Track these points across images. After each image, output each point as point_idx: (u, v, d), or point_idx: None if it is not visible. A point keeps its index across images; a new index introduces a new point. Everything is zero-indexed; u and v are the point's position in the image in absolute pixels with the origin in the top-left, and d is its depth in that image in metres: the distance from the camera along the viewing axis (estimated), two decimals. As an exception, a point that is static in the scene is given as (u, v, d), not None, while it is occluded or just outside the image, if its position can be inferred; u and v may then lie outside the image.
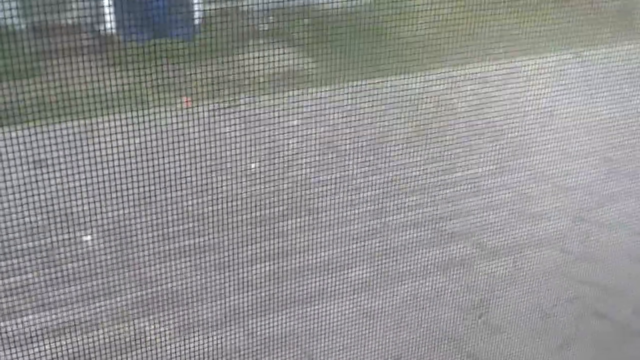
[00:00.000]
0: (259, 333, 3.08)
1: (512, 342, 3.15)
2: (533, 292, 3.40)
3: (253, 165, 4.29)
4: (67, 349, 2.97)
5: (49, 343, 2.99)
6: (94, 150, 4.10)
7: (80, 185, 4.19)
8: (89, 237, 3.68)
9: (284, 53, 4.43)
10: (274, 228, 3.95)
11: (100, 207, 3.95)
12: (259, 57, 4.59)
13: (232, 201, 4.27)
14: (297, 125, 5.26)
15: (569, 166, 4.51)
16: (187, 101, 4.38)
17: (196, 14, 9.04)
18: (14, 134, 3.93)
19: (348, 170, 4.66)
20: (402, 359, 3.01)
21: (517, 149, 4.40)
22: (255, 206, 4.13)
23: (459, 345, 3.10)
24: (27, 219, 3.93)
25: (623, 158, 4.56)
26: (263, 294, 3.34)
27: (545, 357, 3.10)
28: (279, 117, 5.18)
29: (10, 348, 2.94)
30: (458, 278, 3.53)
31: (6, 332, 3.08)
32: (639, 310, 3.45)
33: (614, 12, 4.93)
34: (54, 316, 3.17)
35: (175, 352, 2.98)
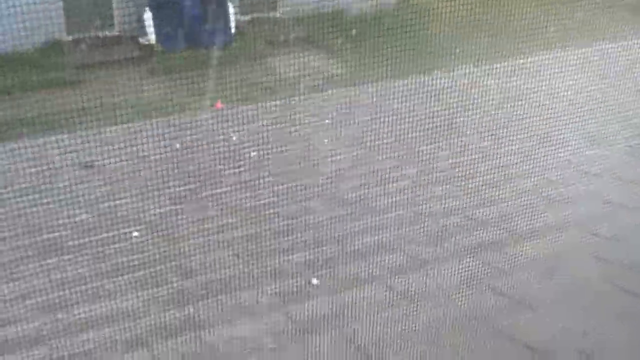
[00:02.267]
0: (298, 317, 3.23)
1: (546, 322, 3.24)
2: (563, 273, 3.49)
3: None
4: (118, 337, 3.16)
5: (101, 331, 3.19)
6: (138, 151, 4.33)
7: (128, 184, 4.42)
8: (136, 233, 3.89)
9: (314, 56, 4.62)
10: (310, 219, 4.12)
11: (147, 204, 4.17)
12: (290, 62, 4.79)
13: (270, 196, 4.45)
14: (329, 123, 5.45)
15: (594, 153, 4.58)
16: (219, 106, 4.60)
17: (232, 23, 9.30)
18: (65, 139, 4.18)
19: (380, 163, 4.81)
20: (439, 341, 3.11)
21: (543, 137, 4.48)
22: (293, 199, 4.31)
23: (496, 326, 3.19)
24: (78, 217, 4.17)
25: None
26: (302, 281, 3.50)
27: (576, 336, 3.17)
28: (311, 116, 5.38)
29: (65, 337, 3.14)
30: (490, 262, 3.64)
31: (61, 323, 3.27)
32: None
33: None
34: (105, 306, 3.37)
35: (220, 337, 3.15)
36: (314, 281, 3.49)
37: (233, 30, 10.14)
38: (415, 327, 3.15)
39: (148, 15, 9.78)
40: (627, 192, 4.21)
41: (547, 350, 2.97)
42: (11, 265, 3.66)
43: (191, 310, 3.30)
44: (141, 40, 9.72)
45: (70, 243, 3.82)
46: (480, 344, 3.06)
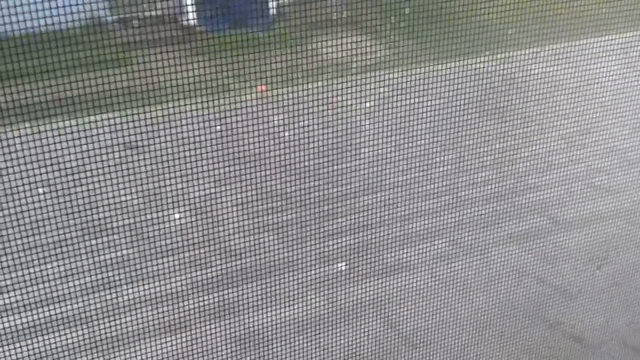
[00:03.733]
0: (340, 302, 3.23)
1: (589, 310, 3.19)
2: (607, 261, 3.43)
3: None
4: (161, 317, 3.18)
5: (144, 312, 3.22)
6: (179, 133, 4.34)
7: (169, 166, 4.43)
8: (177, 215, 3.91)
9: (358, 38, 4.56)
10: (352, 204, 4.10)
11: (188, 186, 4.18)
12: (332, 44, 4.74)
13: (312, 179, 4.44)
14: (371, 107, 5.41)
15: (638, 141, 4.48)
16: (262, 89, 4.57)
17: (273, 4, 9.29)
18: (107, 119, 4.20)
19: (421, 148, 4.76)
20: (483, 327, 3.09)
21: (587, 125, 4.40)
22: (335, 183, 4.29)
23: (539, 314, 3.15)
24: (121, 199, 4.20)
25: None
26: (344, 266, 3.49)
27: (621, 323, 3.13)
28: (353, 99, 5.33)
29: (109, 317, 3.17)
30: (533, 249, 3.59)
31: (105, 302, 3.31)
32: None
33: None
34: (148, 287, 3.40)
35: (261, 321, 3.15)
36: (340, 266, 3.49)
37: (274, 11, 10.15)
38: (459, 313, 3.13)
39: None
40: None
41: (592, 339, 2.94)
42: (57, 245, 3.71)
43: (232, 293, 3.32)
44: (182, 21, 9.80)
45: (114, 224, 3.86)
46: (523, 332, 3.03)
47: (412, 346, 2.93)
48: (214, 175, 4.42)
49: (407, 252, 3.55)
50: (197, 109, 4.61)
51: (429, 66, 4.71)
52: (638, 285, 3.34)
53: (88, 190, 4.12)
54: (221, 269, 3.52)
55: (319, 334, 3.06)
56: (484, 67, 4.31)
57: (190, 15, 8.95)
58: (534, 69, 4.73)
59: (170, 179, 4.40)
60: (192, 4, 9.25)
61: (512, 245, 3.55)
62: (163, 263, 3.51)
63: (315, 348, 2.91)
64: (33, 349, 2.89)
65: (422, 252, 3.53)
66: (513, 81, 4.72)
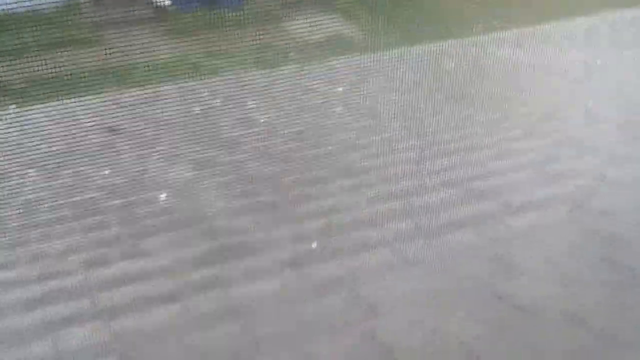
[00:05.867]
0: (312, 278, 3.52)
1: (534, 285, 3.52)
2: (554, 243, 3.76)
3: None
4: (149, 293, 3.44)
5: (134, 286, 3.46)
6: (158, 115, 4.51)
7: (152, 148, 4.61)
8: (163, 195, 4.12)
9: (329, 20, 4.69)
10: (322, 188, 4.36)
11: (172, 167, 4.37)
12: (304, 25, 4.88)
13: (285, 163, 4.65)
14: (342, 90, 5.60)
15: (591, 130, 4.74)
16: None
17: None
18: (87, 102, 4.34)
19: (387, 134, 5.02)
20: (436, 301, 3.41)
21: (543, 114, 4.65)
22: (305, 168, 4.51)
23: (488, 288, 3.48)
24: (108, 181, 4.37)
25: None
26: (315, 245, 3.78)
27: (561, 296, 3.46)
28: (324, 83, 5.51)
29: (100, 292, 3.41)
30: (486, 232, 3.89)
31: (95, 279, 3.53)
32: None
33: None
34: (136, 264, 3.63)
35: (241, 295, 3.43)
36: (314, 245, 3.78)
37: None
38: (418, 287, 3.45)
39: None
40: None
41: (534, 309, 3.27)
42: (48, 224, 3.91)
43: (217, 269, 3.57)
44: (155, 1, 9.76)
45: (103, 204, 4.06)
46: (474, 305, 3.36)
47: (376, 314, 3.25)
48: (194, 157, 4.60)
49: (372, 233, 3.85)
50: (174, 90, 4.79)
51: (401, 49, 4.90)
52: (573, 261, 3.68)
53: (74, 172, 4.29)
54: (203, 248, 3.77)
55: (294, 306, 3.34)
56: (446, 52, 4.54)
57: (164, -4, 8.96)
58: (492, 55, 4.97)
59: (154, 160, 4.58)
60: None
61: (467, 228, 3.87)
62: (151, 241, 3.75)
63: (291, 319, 3.21)
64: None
65: (386, 232, 3.83)
66: (473, 67, 4.94)
